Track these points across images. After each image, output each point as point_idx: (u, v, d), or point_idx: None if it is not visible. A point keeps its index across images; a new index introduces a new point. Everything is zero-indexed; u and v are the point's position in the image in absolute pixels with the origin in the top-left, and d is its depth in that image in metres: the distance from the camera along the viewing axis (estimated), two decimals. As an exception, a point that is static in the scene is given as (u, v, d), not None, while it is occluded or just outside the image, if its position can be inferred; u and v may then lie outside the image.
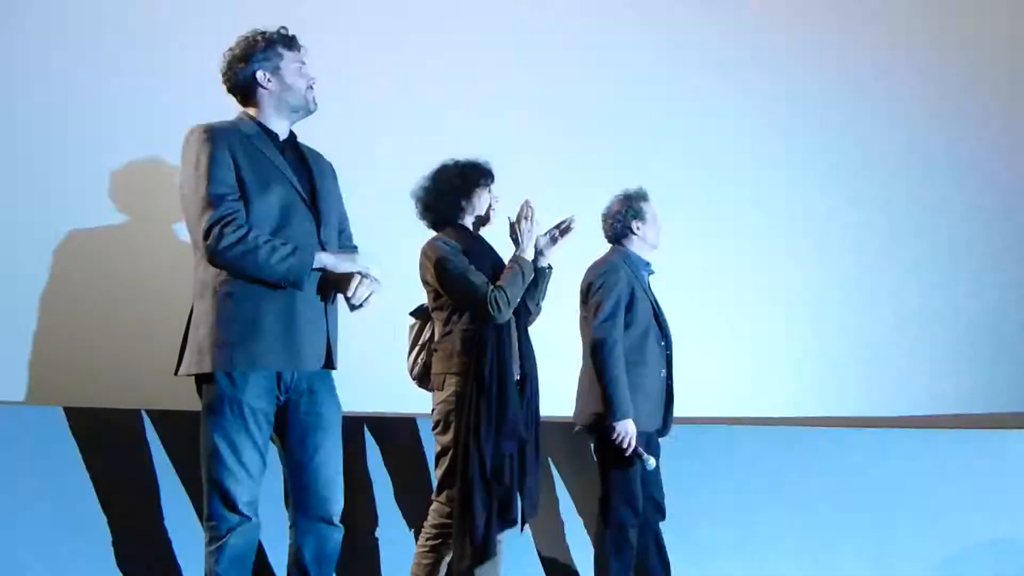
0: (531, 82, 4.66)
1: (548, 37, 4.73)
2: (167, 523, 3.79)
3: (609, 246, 4.02)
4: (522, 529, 3.53)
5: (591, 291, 3.83)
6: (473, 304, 3.39)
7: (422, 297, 3.58)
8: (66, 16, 4.33)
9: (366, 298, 2.79)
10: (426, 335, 3.61)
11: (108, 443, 3.96)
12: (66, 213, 4.16)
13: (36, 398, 3.93)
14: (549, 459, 4.32)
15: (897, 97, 4.90)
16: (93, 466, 3.94)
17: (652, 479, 3.85)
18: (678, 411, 3.96)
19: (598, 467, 3.84)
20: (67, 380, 4.00)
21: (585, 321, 3.86)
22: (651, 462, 3.74)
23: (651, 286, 3.98)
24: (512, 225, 3.52)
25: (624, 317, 3.79)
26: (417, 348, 3.61)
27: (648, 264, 3.99)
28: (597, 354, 3.74)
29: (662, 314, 3.95)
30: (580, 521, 4.34)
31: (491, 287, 3.38)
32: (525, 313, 3.55)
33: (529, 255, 3.50)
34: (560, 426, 4.07)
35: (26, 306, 4.08)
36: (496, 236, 3.62)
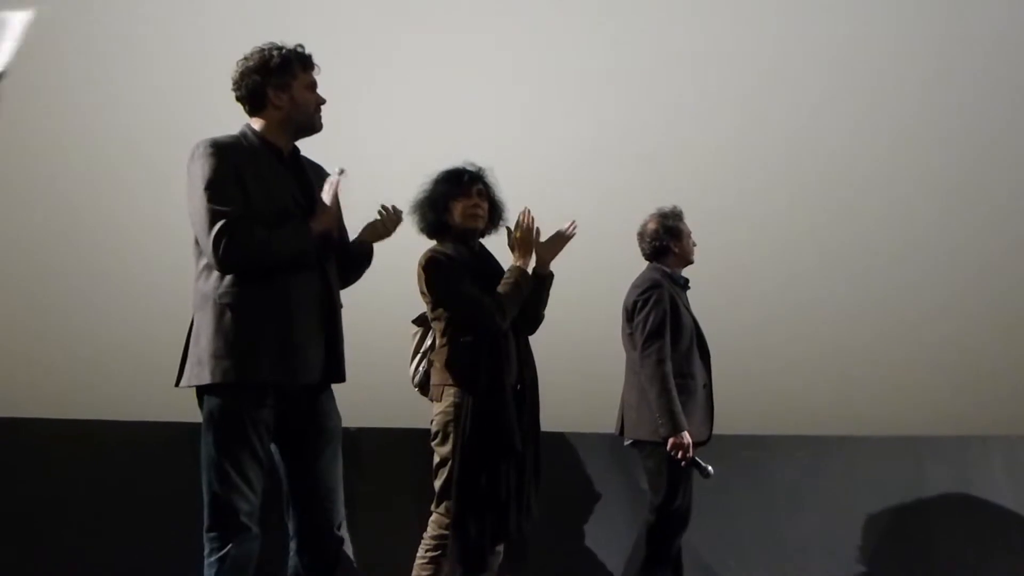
0: (539, 87, 4.69)
1: (560, 42, 4.76)
2: (167, 534, 3.79)
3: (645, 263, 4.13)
4: (522, 540, 3.51)
5: (636, 309, 3.94)
6: (468, 316, 3.38)
7: (424, 306, 3.59)
8: (69, 15, 4.35)
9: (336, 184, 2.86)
10: (427, 343, 3.61)
11: (108, 454, 3.97)
12: (68, 225, 4.18)
13: (37, 410, 3.94)
14: (550, 470, 4.32)
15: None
16: (93, 477, 3.94)
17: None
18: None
19: (649, 481, 3.92)
20: (67, 392, 4.01)
21: (630, 338, 3.97)
22: (709, 470, 3.82)
23: (689, 301, 4.09)
24: (511, 234, 3.52)
25: (670, 332, 3.89)
26: (419, 356, 3.61)
27: (686, 281, 4.11)
28: (647, 371, 3.84)
29: (700, 327, 4.05)
30: (581, 531, 4.34)
31: (487, 298, 3.37)
32: (525, 322, 3.52)
33: (527, 265, 3.48)
34: (560, 436, 4.07)
35: (26, 317, 4.09)
36: (497, 243, 3.62)
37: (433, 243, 3.57)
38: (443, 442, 3.37)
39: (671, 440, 3.76)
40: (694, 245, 4.12)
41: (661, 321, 3.88)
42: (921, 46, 5.20)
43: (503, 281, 3.45)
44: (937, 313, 5.10)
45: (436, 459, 3.41)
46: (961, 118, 5.24)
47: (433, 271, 3.43)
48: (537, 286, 3.52)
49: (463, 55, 4.71)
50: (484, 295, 3.38)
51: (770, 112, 5.06)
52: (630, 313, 3.98)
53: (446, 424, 3.36)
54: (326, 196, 2.84)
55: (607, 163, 4.86)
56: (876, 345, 5.03)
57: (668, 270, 4.06)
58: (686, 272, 4.15)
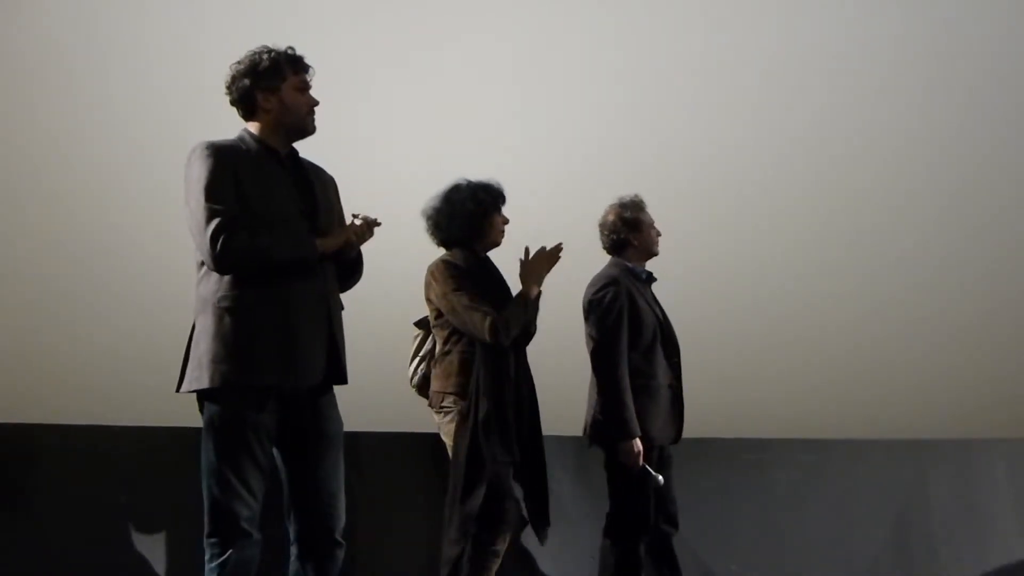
0: (541, 89, 4.69)
1: (546, 47, 4.76)
2: (168, 539, 3.79)
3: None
4: (542, 543, 3.52)
5: (590, 308, 3.79)
6: (475, 330, 3.38)
7: (425, 310, 3.58)
8: (69, 19, 4.34)
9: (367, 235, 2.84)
10: (427, 346, 3.62)
11: (109, 459, 3.96)
12: (68, 228, 4.17)
13: (37, 415, 3.93)
14: (556, 474, 4.32)
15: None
16: (94, 482, 3.93)
17: (665, 491, 3.80)
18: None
19: (607, 482, 3.80)
20: (68, 397, 4.00)
21: (588, 339, 3.81)
22: (659, 479, 3.69)
23: (655, 295, 3.94)
24: (523, 264, 3.51)
25: (628, 331, 3.74)
26: (418, 358, 3.63)
27: (649, 273, 3.95)
28: (600, 372, 3.72)
29: (668, 323, 3.90)
30: (586, 536, 4.34)
31: (495, 313, 3.37)
32: (521, 335, 3.51)
33: (535, 293, 3.48)
34: (563, 440, 4.07)
35: (26, 322, 4.08)
36: (501, 256, 3.62)
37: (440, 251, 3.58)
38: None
39: (621, 447, 3.64)
40: (658, 236, 3.93)
41: (616, 321, 3.72)
42: (923, 48, 5.20)
43: (511, 303, 3.45)
44: (939, 316, 5.10)
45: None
46: (962, 120, 5.23)
47: (445, 279, 3.43)
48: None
49: (466, 57, 4.71)
50: (492, 311, 3.38)
51: (771, 113, 5.06)
52: (586, 313, 3.82)
53: (453, 431, 3.38)
54: (355, 233, 2.82)
55: (607, 164, 4.85)
56: (878, 348, 5.02)
57: (629, 264, 3.89)
58: (651, 265, 3.96)
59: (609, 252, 3.96)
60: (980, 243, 5.22)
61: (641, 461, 3.65)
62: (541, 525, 3.47)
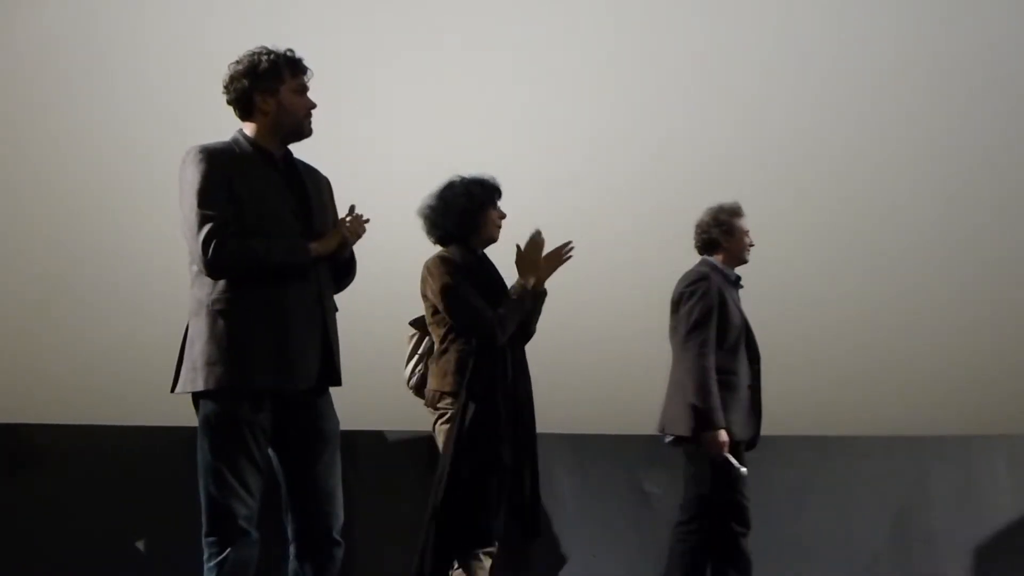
0: (539, 88, 4.70)
1: (546, 46, 4.76)
2: (166, 539, 3.79)
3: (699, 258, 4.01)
4: (527, 545, 3.49)
5: (682, 301, 3.84)
6: (471, 327, 3.39)
7: (422, 308, 3.58)
8: (70, 19, 4.34)
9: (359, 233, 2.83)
10: (424, 346, 3.63)
11: (107, 459, 3.97)
12: (66, 229, 4.18)
13: (35, 415, 3.94)
14: (556, 474, 4.33)
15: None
16: (91, 482, 3.94)
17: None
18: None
19: (694, 478, 3.81)
20: (65, 397, 4.01)
21: (674, 331, 3.86)
22: (742, 470, 3.72)
23: (740, 300, 3.98)
24: (520, 252, 3.50)
25: (715, 326, 3.79)
26: (415, 359, 3.64)
27: (738, 276, 4.00)
28: (687, 364, 3.75)
29: (750, 328, 3.95)
30: (585, 535, 4.34)
31: (490, 311, 3.37)
32: (520, 335, 3.50)
33: (531, 284, 3.47)
34: (563, 439, 4.08)
35: (24, 322, 4.08)
36: (499, 253, 3.61)
37: (436, 248, 3.55)
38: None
39: (707, 436, 3.67)
40: (750, 245, 3.98)
41: (706, 314, 3.77)
42: (925, 46, 5.19)
43: (507, 297, 3.44)
44: (940, 312, 5.09)
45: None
46: (964, 118, 5.23)
47: (442, 276, 3.42)
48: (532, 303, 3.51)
49: (466, 57, 4.71)
50: (488, 307, 3.38)
51: (771, 112, 5.06)
52: (676, 306, 3.87)
53: (445, 433, 3.36)
54: (349, 231, 2.81)
55: (608, 165, 4.85)
56: (878, 344, 5.02)
57: (719, 265, 3.94)
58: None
59: (700, 251, 4.01)
60: (981, 240, 5.22)
61: (726, 452, 3.67)
62: (531, 535, 3.42)
